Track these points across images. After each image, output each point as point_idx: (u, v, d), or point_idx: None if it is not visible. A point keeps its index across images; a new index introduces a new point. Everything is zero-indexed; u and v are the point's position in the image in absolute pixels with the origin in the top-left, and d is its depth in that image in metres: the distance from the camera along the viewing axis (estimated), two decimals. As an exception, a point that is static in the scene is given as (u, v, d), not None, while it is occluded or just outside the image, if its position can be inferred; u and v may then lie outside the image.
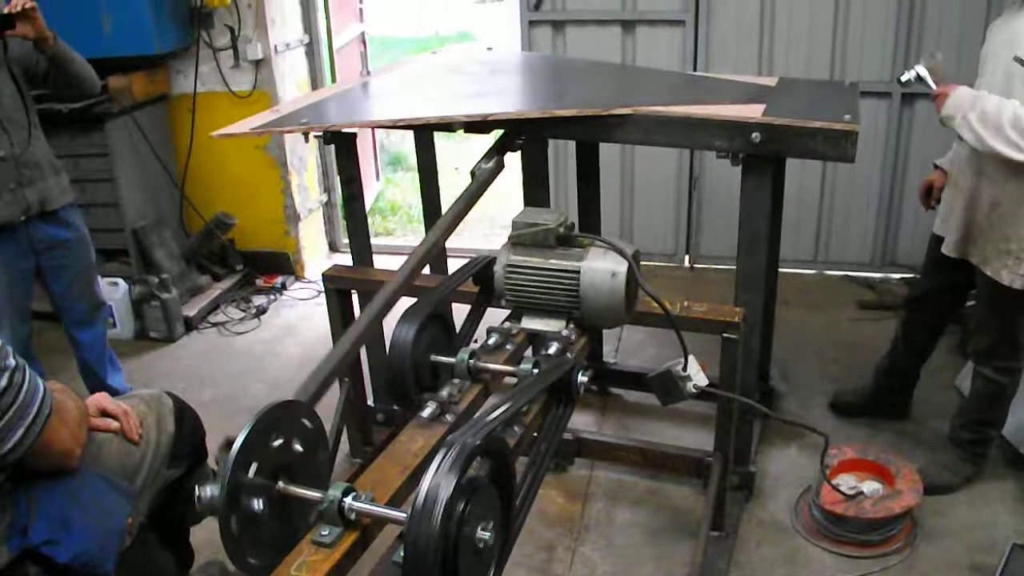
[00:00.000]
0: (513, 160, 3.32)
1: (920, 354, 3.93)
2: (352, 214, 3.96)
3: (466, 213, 2.81)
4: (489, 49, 5.40)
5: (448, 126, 3.36)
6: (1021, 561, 3.08)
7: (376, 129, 7.20)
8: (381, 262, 4.11)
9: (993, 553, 3.23)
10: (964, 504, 3.55)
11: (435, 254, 2.68)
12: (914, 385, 4.04)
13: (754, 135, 3.02)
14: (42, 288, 4.05)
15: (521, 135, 3.33)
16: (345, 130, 3.65)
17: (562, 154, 5.62)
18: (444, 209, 4.19)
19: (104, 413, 2.32)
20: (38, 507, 2.03)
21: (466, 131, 3.41)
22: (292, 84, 5.83)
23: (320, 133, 3.66)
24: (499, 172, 3.10)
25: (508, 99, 4.00)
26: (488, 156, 3.11)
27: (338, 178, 6.31)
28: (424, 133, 4.30)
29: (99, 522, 2.11)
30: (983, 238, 3.31)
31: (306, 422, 1.79)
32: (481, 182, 2.97)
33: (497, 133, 3.37)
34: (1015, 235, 3.20)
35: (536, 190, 3.86)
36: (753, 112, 3.13)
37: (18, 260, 3.79)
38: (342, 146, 3.78)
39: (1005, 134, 2.99)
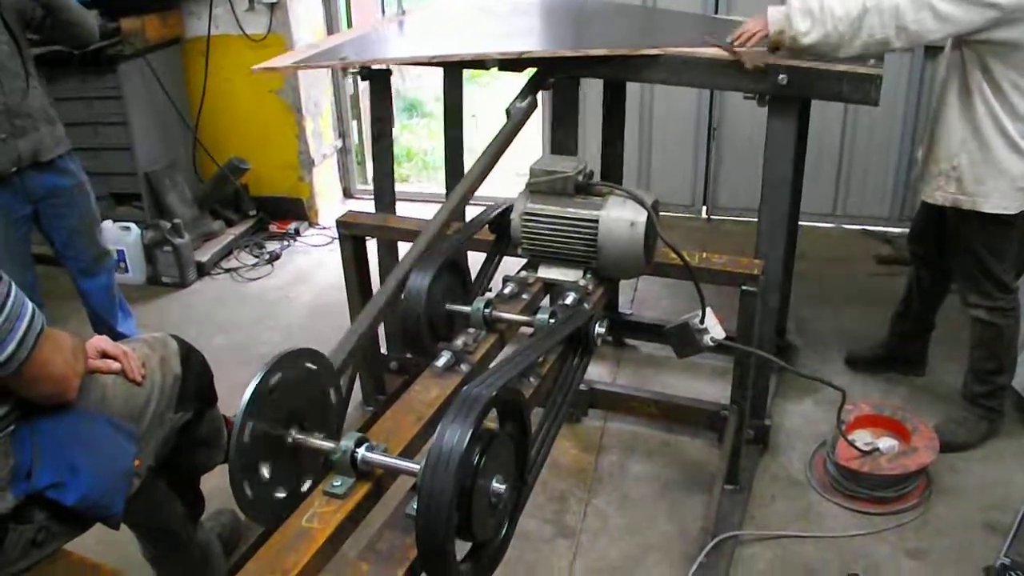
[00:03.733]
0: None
1: (931, 296, 3.87)
2: (379, 154, 3.95)
3: (503, 152, 2.80)
4: None
5: (482, 63, 3.39)
6: (1036, 520, 3.08)
7: (392, 75, 7.13)
8: (397, 208, 4.07)
9: (1007, 511, 3.21)
10: (979, 462, 3.53)
11: (471, 196, 2.68)
12: (929, 334, 4.00)
13: (780, 77, 3.02)
14: (44, 238, 4.00)
15: (553, 73, 3.34)
16: (379, 66, 3.67)
17: (582, 101, 5.53)
18: (466, 153, 4.21)
19: (104, 355, 2.30)
20: (42, 450, 2.00)
21: (500, 69, 3.42)
22: (307, 28, 5.76)
23: (356, 69, 3.68)
24: (532, 111, 3.09)
25: (539, 38, 4.03)
26: (523, 95, 3.12)
27: (354, 123, 6.34)
28: (454, 73, 4.27)
29: (105, 464, 2.09)
30: (926, 164, 3.39)
31: (320, 371, 1.76)
32: (516, 121, 2.97)
33: (528, 73, 3.36)
34: (944, 155, 3.25)
35: (565, 131, 3.83)
36: (780, 54, 3.11)
37: (13, 209, 3.70)
38: (377, 83, 3.79)
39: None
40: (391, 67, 3.80)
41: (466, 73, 4.41)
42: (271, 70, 3.56)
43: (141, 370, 2.33)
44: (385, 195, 3.95)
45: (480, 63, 3.40)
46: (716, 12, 5.32)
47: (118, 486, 2.12)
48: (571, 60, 3.25)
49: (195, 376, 2.53)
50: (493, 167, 2.75)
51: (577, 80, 3.78)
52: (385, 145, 3.93)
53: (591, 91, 4.94)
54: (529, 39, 3.79)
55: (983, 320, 3.46)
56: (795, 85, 3.04)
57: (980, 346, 3.53)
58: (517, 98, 3.09)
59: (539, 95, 3.29)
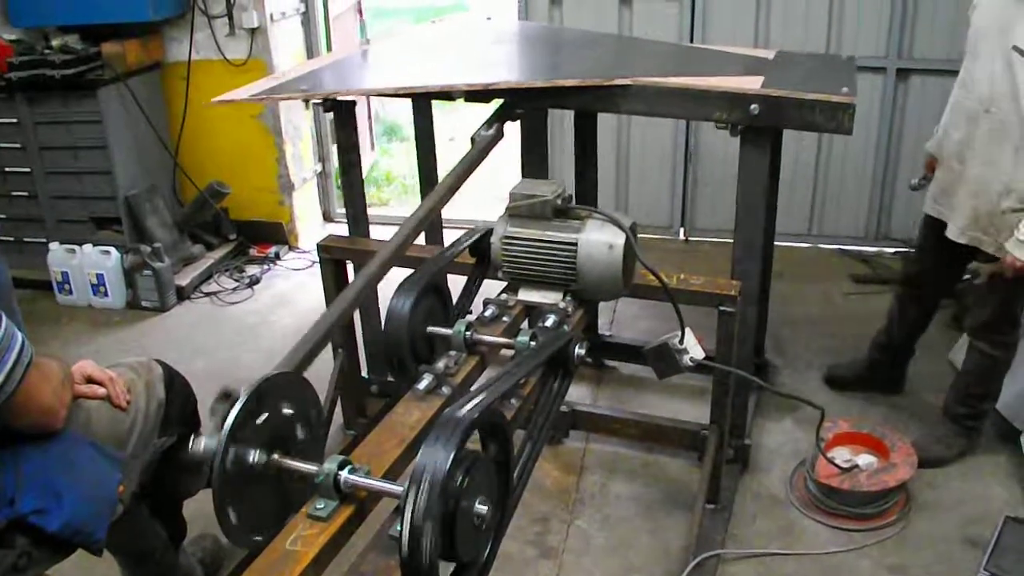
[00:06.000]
0: (510, 130, 3.30)
1: (915, 330, 3.91)
2: (349, 183, 3.93)
3: (465, 179, 2.81)
4: (488, 19, 5.38)
5: (448, 95, 3.35)
6: (1014, 533, 3.10)
7: (371, 98, 7.16)
8: (376, 232, 4.09)
9: (986, 525, 3.23)
10: (958, 477, 3.56)
11: (432, 220, 2.68)
12: (908, 359, 4.03)
13: (753, 106, 3.01)
14: None
15: (521, 105, 3.33)
16: (344, 98, 3.64)
17: (558, 126, 5.57)
18: (441, 177, 4.22)
19: (90, 380, 2.30)
20: (25, 476, 2.01)
21: (467, 100, 3.40)
22: (287, 53, 5.77)
23: (319, 100, 3.66)
24: (498, 140, 3.11)
25: (508, 68, 4.00)
26: (488, 123, 3.13)
27: (333, 147, 6.35)
28: (422, 102, 4.27)
29: (89, 490, 2.09)
30: (994, 226, 3.25)
31: (301, 394, 1.77)
32: (480, 149, 2.98)
33: (497, 102, 3.36)
34: (988, 208, 3.23)
35: (535, 161, 3.85)
36: (752, 84, 3.12)
37: None
38: (341, 114, 3.76)
39: None
40: (356, 98, 3.79)
41: (432, 102, 4.42)
42: (229, 102, 3.55)
43: (126, 395, 2.33)
44: (359, 224, 3.94)
45: (447, 95, 3.38)
46: (692, 41, 5.38)
47: (101, 512, 2.12)
48: (540, 91, 3.23)
49: (179, 401, 2.53)
50: (455, 192, 2.75)
51: (545, 111, 3.79)
52: (355, 175, 3.91)
53: (566, 116, 4.98)
54: (499, 69, 3.78)
55: (983, 351, 3.48)
56: (767, 114, 3.02)
57: (973, 373, 3.56)
58: (483, 127, 3.11)
59: (507, 124, 3.29)
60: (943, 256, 3.57)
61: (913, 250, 3.86)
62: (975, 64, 3.25)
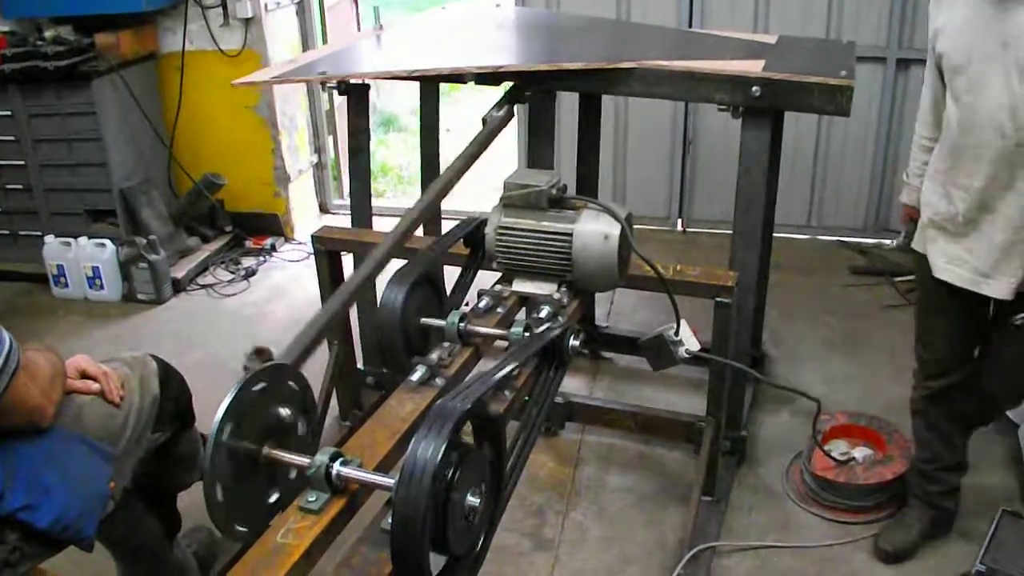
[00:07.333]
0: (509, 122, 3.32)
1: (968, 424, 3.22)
2: (356, 168, 3.97)
3: (477, 156, 2.83)
4: (497, 6, 5.39)
5: (460, 78, 3.46)
6: (1011, 527, 3.09)
7: (368, 89, 7.13)
8: (373, 223, 4.07)
9: (983, 518, 3.22)
10: (955, 470, 3.55)
11: (441, 201, 2.68)
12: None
13: (754, 89, 3.08)
14: None
15: (530, 87, 3.39)
16: (358, 80, 3.73)
17: (557, 114, 5.56)
18: (441, 166, 4.24)
19: (84, 375, 2.29)
20: (15, 472, 2.00)
21: (477, 83, 3.48)
22: (282, 43, 5.76)
23: (335, 84, 3.76)
24: (508, 120, 3.16)
25: (516, 52, 4.09)
26: (499, 105, 3.18)
27: (330, 138, 6.34)
28: (430, 87, 4.31)
29: (79, 486, 2.08)
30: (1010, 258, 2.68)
31: (294, 386, 1.76)
32: (492, 129, 3.03)
33: (506, 86, 3.42)
34: None
35: (541, 145, 3.86)
36: (753, 67, 3.18)
37: None
38: (355, 97, 3.82)
39: None
40: (368, 81, 3.82)
41: (440, 88, 4.44)
42: (251, 84, 3.58)
43: (120, 391, 2.32)
44: (363, 211, 3.96)
45: (458, 77, 3.45)
46: (690, 26, 5.36)
47: (92, 508, 2.11)
48: (548, 74, 3.30)
49: (174, 397, 2.52)
50: (467, 170, 2.76)
51: (553, 94, 3.80)
52: (362, 160, 3.94)
53: (566, 106, 4.96)
54: (506, 54, 3.84)
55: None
56: (768, 97, 3.08)
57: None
58: (494, 107, 3.16)
59: (515, 107, 3.32)
60: (971, 323, 2.96)
61: (924, 351, 3.09)
62: (978, 97, 2.58)
